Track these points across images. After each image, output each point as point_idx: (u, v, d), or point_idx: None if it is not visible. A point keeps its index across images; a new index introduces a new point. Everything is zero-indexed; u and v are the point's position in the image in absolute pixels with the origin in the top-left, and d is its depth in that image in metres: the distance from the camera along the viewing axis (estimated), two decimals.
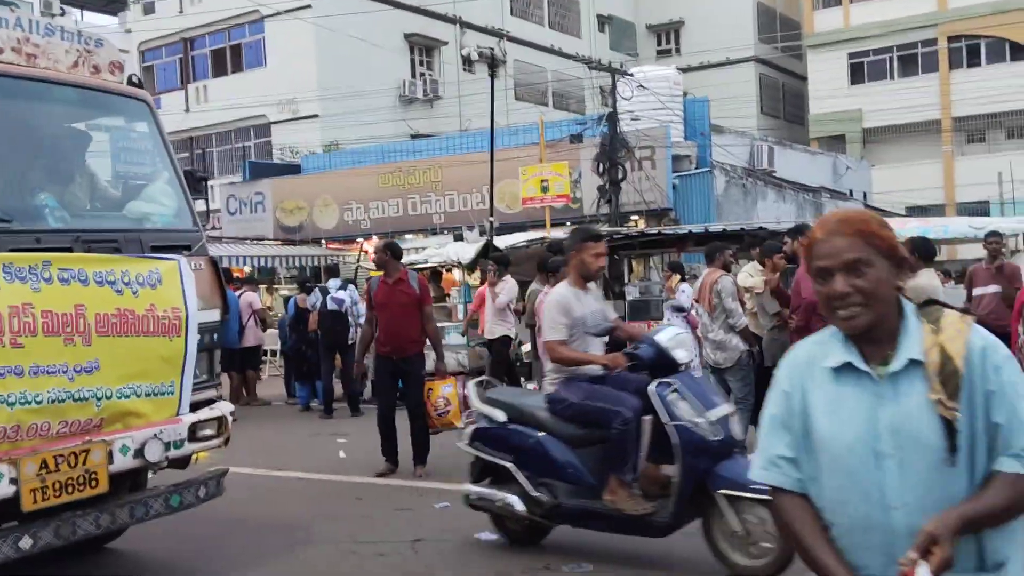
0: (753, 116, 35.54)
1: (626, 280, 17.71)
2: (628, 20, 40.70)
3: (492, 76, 18.76)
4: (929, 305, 2.04)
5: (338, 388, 12.90)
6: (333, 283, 12.93)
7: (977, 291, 10.01)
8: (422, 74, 30.89)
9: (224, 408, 5.24)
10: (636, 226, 20.37)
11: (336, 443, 10.05)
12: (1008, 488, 1.91)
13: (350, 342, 12.02)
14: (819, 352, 2.08)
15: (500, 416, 5.57)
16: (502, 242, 17.59)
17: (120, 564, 5.84)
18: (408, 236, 23.54)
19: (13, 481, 4.11)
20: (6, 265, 4.11)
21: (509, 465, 5.44)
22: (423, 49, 31.38)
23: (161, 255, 4.85)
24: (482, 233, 18.88)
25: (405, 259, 19.06)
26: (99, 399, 4.45)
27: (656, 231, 16.99)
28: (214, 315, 5.21)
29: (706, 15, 38.84)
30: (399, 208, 23.61)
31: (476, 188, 21.51)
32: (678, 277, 12.23)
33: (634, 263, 19.50)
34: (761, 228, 15.10)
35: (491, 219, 17.44)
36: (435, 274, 19.68)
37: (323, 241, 24.91)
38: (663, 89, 21.64)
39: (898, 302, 2.02)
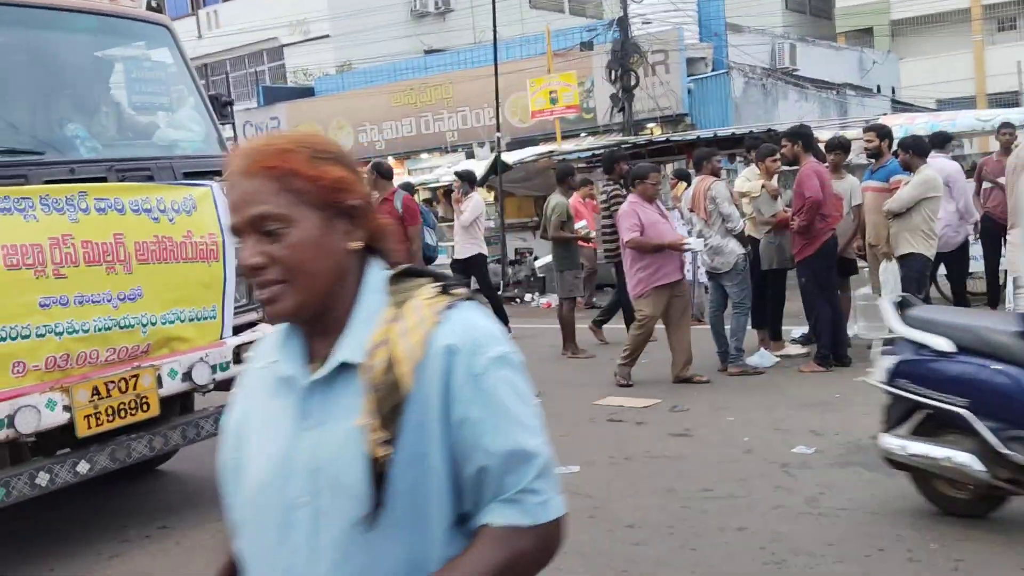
0: (778, 12, 34.37)
1: None
2: None
3: None
4: (412, 277, 1.42)
5: None
6: None
7: (987, 184, 9.91)
8: None
9: (266, 330, 5.34)
10: (651, 134, 20.14)
11: None
12: (499, 548, 1.34)
13: None
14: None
15: (945, 345, 4.34)
16: (511, 157, 17.56)
17: (173, 484, 6.17)
18: (423, 155, 23.54)
19: (67, 408, 4.30)
20: (43, 197, 4.22)
21: (962, 412, 4.22)
22: None
23: (194, 181, 4.92)
24: (492, 149, 18.81)
25: (418, 179, 19.25)
26: (144, 326, 4.60)
27: (664, 138, 16.82)
28: None
29: None
30: (412, 127, 23.54)
31: (488, 103, 21.32)
32: (684, 185, 12.16)
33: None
34: (770, 131, 14.90)
35: (499, 134, 17.35)
36: (448, 193, 19.75)
37: None
38: None
39: (359, 272, 1.41)
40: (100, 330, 4.42)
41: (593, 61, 20.69)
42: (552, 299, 14.85)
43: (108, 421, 4.47)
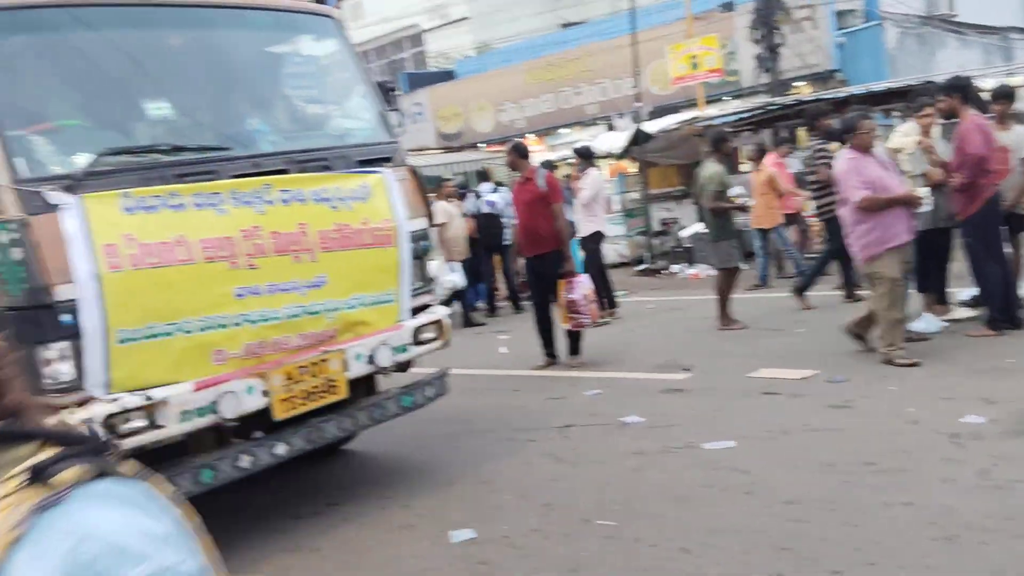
0: None
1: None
2: None
3: None
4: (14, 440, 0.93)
5: (502, 287, 13.44)
6: (485, 187, 13.38)
7: None
8: None
9: (441, 312, 5.53)
10: (800, 93, 19.43)
11: (498, 339, 10.57)
12: None
13: (506, 242, 12.39)
14: None
15: None
16: (653, 126, 17.32)
17: (341, 462, 6.43)
18: (563, 130, 23.53)
19: (264, 393, 4.53)
20: (233, 191, 4.45)
21: None
22: None
23: (367, 169, 5.08)
24: (634, 120, 18.60)
25: (559, 154, 19.26)
26: (330, 311, 4.81)
27: (814, 97, 16.18)
28: (421, 223, 5.42)
29: None
30: (552, 103, 23.55)
31: (627, 74, 21.08)
32: (836, 144, 11.66)
33: (800, 133, 18.71)
34: (929, 83, 14.08)
35: (639, 104, 17.16)
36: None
37: (482, 145, 25.32)
38: None
39: None
40: (290, 317, 4.61)
41: (735, 22, 20.13)
42: (699, 270, 14.65)
43: (302, 404, 4.67)
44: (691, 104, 19.82)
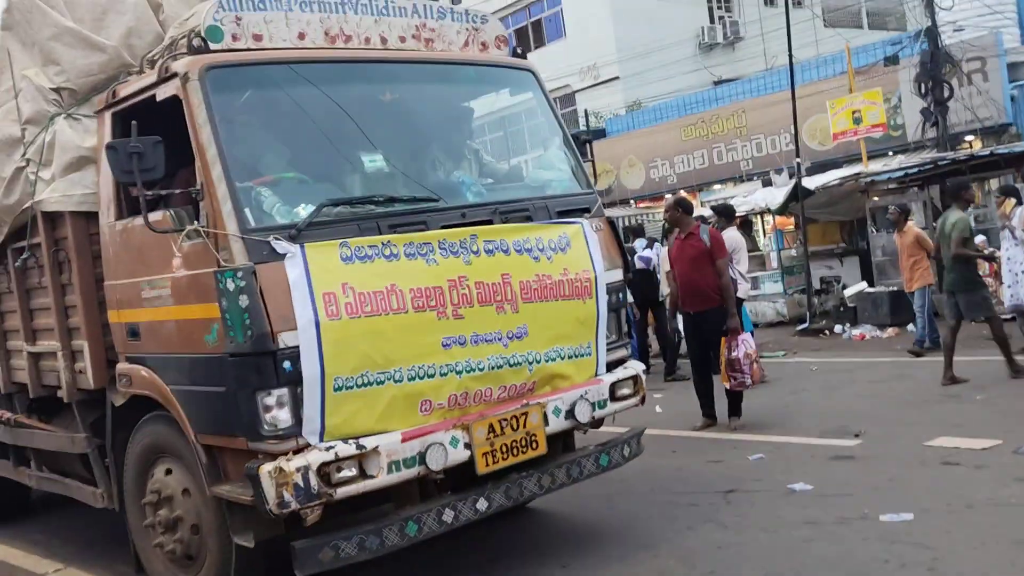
0: None
1: None
2: None
3: (787, 6, 18.03)
4: None
5: (655, 345, 13.42)
6: (639, 243, 13.53)
7: None
8: (720, 17, 30.15)
9: (637, 367, 5.44)
10: (970, 147, 18.78)
11: (653, 398, 10.54)
12: None
13: (661, 299, 12.44)
14: None
15: None
16: (812, 182, 17.07)
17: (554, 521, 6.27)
18: (716, 186, 23.42)
19: (467, 446, 4.51)
20: (441, 241, 4.53)
21: None
22: None
23: (566, 220, 5.09)
24: (791, 175, 18.40)
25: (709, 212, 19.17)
26: (531, 363, 4.79)
27: (988, 151, 15.61)
28: (618, 275, 5.38)
29: None
30: (704, 159, 23.47)
31: (784, 129, 20.83)
32: (1013, 201, 11.17)
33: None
34: None
35: (798, 159, 16.97)
36: (745, 223, 19.53)
37: (632, 201, 25.48)
38: None
39: None
40: (493, 368, 4.60)
41: (899, 76, 19.68)
42: (864, 331, 14.22)
43: (503, 459, 4.61)
44: (852, 159, 19.40)
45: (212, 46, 4.44)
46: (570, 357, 4.99)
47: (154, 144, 4.25)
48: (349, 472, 4.21)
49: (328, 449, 4.17)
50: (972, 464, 6.29)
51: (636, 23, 27.58)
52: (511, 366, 4.72)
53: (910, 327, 13.39)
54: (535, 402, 4.81)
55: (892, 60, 19.65)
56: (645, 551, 5.30)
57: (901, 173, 15.85)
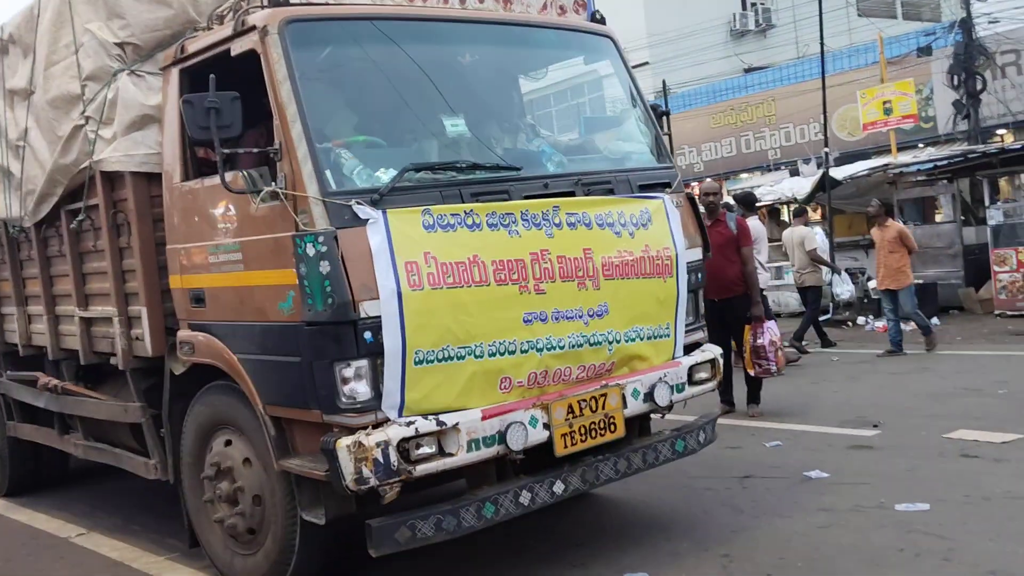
0: None
1: (987, 203, 16.13)
2: None
3: None
4: None
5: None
6: None
7: None
8: (753, 4, 29.72)
9: (715, 350, 5.18)
10: (1002, 141, 18.43)
11: None
12: None
13: None
14: None
15: None
16: (840, 172, 16.73)
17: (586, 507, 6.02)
18: (743, 175, 23.10)
19: (546, 426, 4.25)
20: (524, 212, 4.26)
21: None
22: None
23: (648, 194, 4.81)
24: (819, 165, 18.07)
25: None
26: (610, 343, 4.53)
27: (1020, 145, 15.28)
28: (697, 254, 5.12)
29: None
30: (732, 147, 23.17)
31: (814, 118, 20.47)
32: None
33: (1002, 183, 17.72)
34: None
35: (826, 150, 16.64)
36: (772, 212, 19.21)
37: None
38: None
39: None
40: (573, 347, 4.36)
41: (931, 67, 19.31)
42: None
43: (581, 441, 4.35)
44: (881, 150, 19.07)
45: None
46: (649, 338, 4.73)
47: (231, 100, 3.98)
48: (428, 449, 3.96)
49: (408, 424, 3.92)
50: (991, 457, 6.17)
51: (667, 9, 27.20)
52: (591, 345, 4.46)
53: (935, 320, 13.11)
54: (614, 383, 4.54)
55: (925, 51, 19.30)
56: (660, 533, 5.22)
57: (930, 165, 15.54)
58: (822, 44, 16.78)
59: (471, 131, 4.52)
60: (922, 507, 5.19)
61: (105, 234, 5.20)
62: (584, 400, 4.40)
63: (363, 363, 3.90)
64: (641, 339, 4.68)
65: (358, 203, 3.90)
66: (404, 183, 4.05)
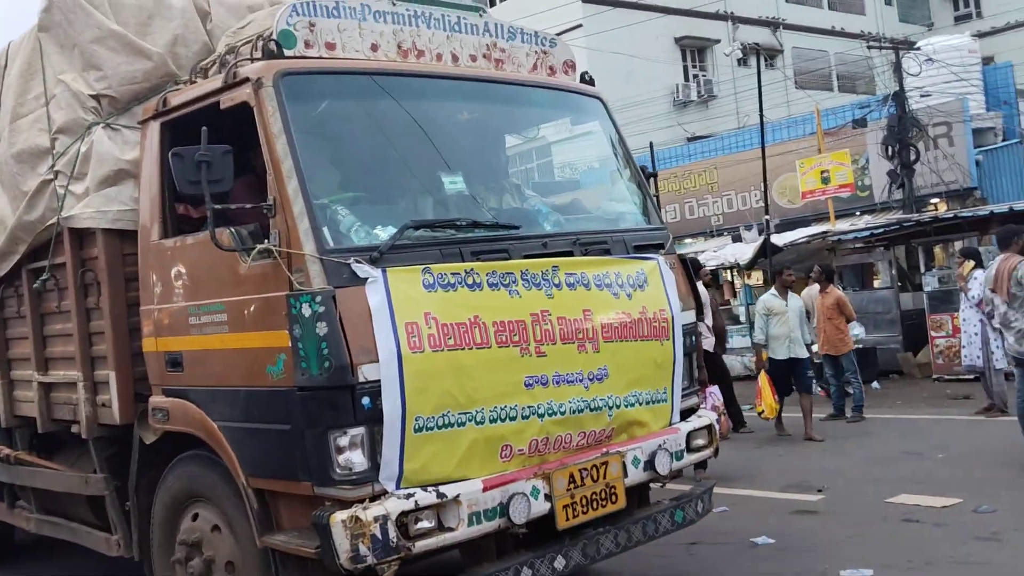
0: None
1: (923, 270, 16.47)
2: None
3: (759, 68, 18.13)
4: None
5: None
6: None
7: None
8: (695, 75, 30.36)
9: (710, 416, 5.00)
10: (935, 210, 18.95)
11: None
12: None
13: None
14: None
15: None
16: (781, 239, 16.97)
17: None
18: (687, 240, 23.31)
19: (547, 497, 3.99)
20: (524, 272, 4.07)
21: None
22: (695, 51, 30.84)
23: (643, 255, 4.67)
24: (760, 232, 18.33)
25: None
26: (610, 408, 4.32)
27: (952, 215, 15.69)
28: (691, 316, 4.94)
29: None
30: (676, 213, 23.40)
31: (754, 186, 20.86)
32: (971, 264, 10.93)
33: (936, 250, 18.15)
34: None
35: (767, 217, 16.89)
36: (715, 277, 19.36)
37: None
38: (955, 60, 19.97)
39: None
40: (574, 412, 4.14)
41: (867, 138, 19.86)
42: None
43: (583, 512, 4.10)
44: (819, 217, 19.44)
45: (285, 52, 3.99)
46: (647, 403, 4.53)
47: (223, 154, 3.75)
48: (427, 523, 3.68)
49: (408, 497, 3.63)
50: (932, 522, 6.18)
51: (612, 79, 27.43)
52: (591, 410, 4.24)
53: (875, 384, 13.19)
54: (614, 451, 4.32)
55: (860, 123, 19.84)
56: None
57: (867, 233, 15.83)
58: (761, 115, 17.15)
59: (470, 188, 4.34)
60: (866, 573, 5.16)
61: (72, 294, 4.88)
62: (585, 469, 4.16)
63: (360, 431, 3.63)
64: (640, 404, 4.49)
65: (357, 261, 3.68)
66: (403, 241, 3.84)
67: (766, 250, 16.12)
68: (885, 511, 6.52)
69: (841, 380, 11.19)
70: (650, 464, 4.45)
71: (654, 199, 5.23)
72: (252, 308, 3.91)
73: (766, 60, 18.67)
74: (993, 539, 5.66)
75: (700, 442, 4.81)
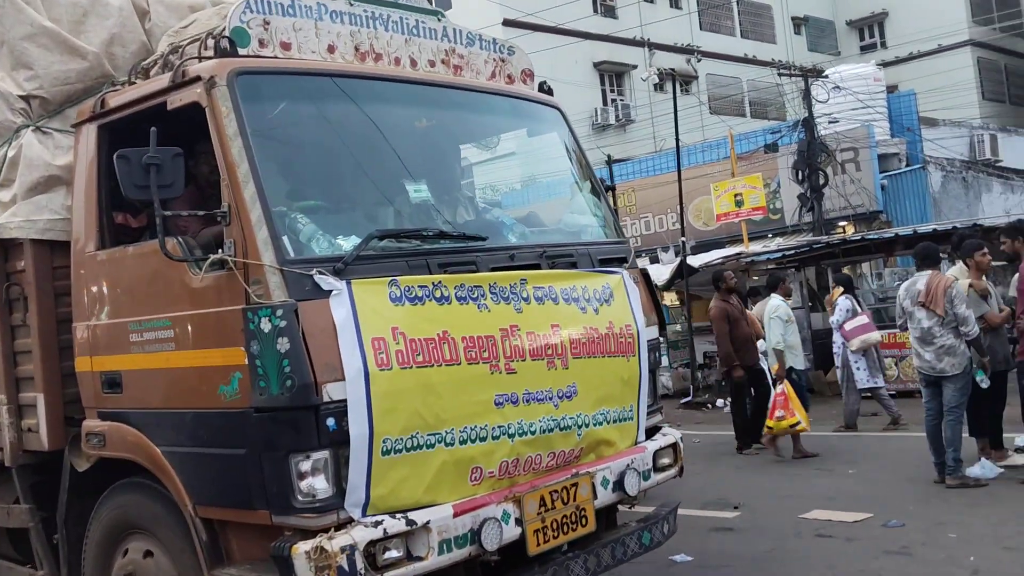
0: (974, 104, 31.67)
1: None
2: (826, 19, 38.16)
3: (675, 94, 18.36)
4: None
5: None
6: None
7: None
8: (613, 100, 30.51)
9: (675, 434, 4.80)
10: (843, 232, 19.47)
11: None
12: None
13: None
14: None
15: None
16: (697, 260, 17.17)
17: None
18: None
19: (518, 522, 3.75)
20: (491, 284, 3.84)
21: None
22: (613, 76, 31.05)
23: (608, 269, 4.48)
24: (677, 253, 18.53)
25: None
26: (579, 427, 4.10)
27: (859, 236, 16.11)
28: (655, 332, 4.74)
29: (911, 3, 35.00)
30: None
31: (672, 208, 21.08)
32: (840, 290, 11.28)
33: (844, 271, 18.60)
34: (976, 226, 13.97)
35: (683, 239, 17.10)
36: None
37: None
38: (861, 87, 20.62)
39: None
40: (544, 432, 3.92)
41: (779, 162, 20.31)
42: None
43: (553, 537, 3.88)
44: (734, 239, 19.77)
45: (239, 51, 3.71)
46: (614, 421, 4.33)
47: (173, 156, 3.44)
48: (395, 553, 3.40)
49: (376, 525, 3.35)
50: (844, 536, 6.21)
51: None
52: (561, 429, 4.02)
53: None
54: (584, 471, 4.10)
55: (772, 148, 20.26)
56: None
57: (779, 254, 16.13)
58: (677, 140, 17.34)
59: (435, 198, 4.10)
60: None
61: None
62: (556, 491, 3.94)
63: (324, 454, 3.35)
64: (608, 422, 4.29)
65: (320, 273, 3.40)
66: (368, 251, 3.58)
67: (683, 271, 16.27)
68: (799, 526, 6.55)
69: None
70: (619, 485, 4.25)
71: (613, 212, 5.06)
72: (202, 323, 3.59)
73: (681, 86, 18.86)
74: (903, 553, 5.70)
75: (666, 461, 4.64)
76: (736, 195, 19.04)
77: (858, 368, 10.46)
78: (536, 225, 4.80)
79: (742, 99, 33.22)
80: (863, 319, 10.57)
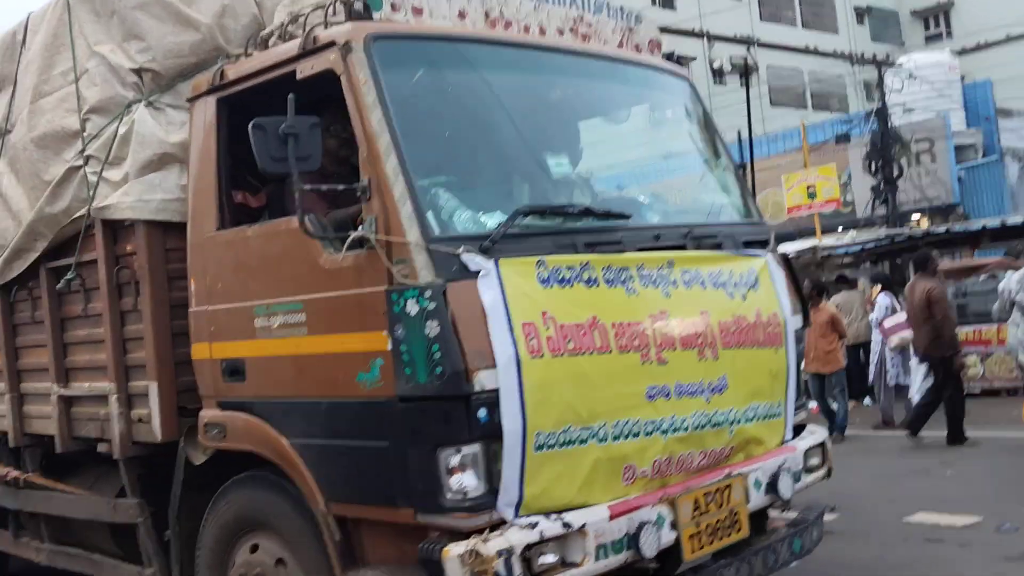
0: None
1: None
2: (890, 8, 37.33)
3: (747, 84, 17.93)
4: None
5: None
6: None
7: None
8: None
9: (823, 433, 4.44)
10: (919, 225, 18.86)
11: None
12: None
13: None
14: None
15: None
16: None
17: None
18: None
19: (673, 526, 3.44)
20: (639, 267, 3.52)
21: None
22: None
23: (752, 251, 4.13)
24: None
25: None
26: (731, 424, 3.77)
27: (944, 229, 15.52)
28: (799, 321, 4.36)
29: None
30: None
31: None
32: (878, 288, 11.07)
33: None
34: None
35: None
36: None
37: None
38: (937, 76, 20.03)
39: None
40: (696, 428, 3.59)
41: (850, 154, 19.77)
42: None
43: (708, 543, 3.56)
44: (803, 233, 19.27)
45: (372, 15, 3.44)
46: (764, 417, 3.97)
47: (311, 127, 3.18)
48: (551, 558, 3.10)
49: (532, 527, 3.06)
50: (956, 542, 5.86)
51: None
52: (712, 426, 3.69)
53: (867, 400, 12.75)
54: (736, 472, 3.77)
55: (844, 138, 19.74)
56: None
57: (858, 247, 15.60)
58: (750, 130, 16.79)
59: (577, 172, 3.80)
60: None
61: (104, 295, 4.23)
62: (709, 493, 3.60)
63: (475, 448, 3.07)
64: (758, 419, 3.93)
65: (467, 251, 3.12)
66: (513, 229, 3.28)
67: None
68: (905, 531, 6.17)
69: (826, 398, 10.65)
70: (772, 487, 3.91)
71: (751, 191, 4.70)
72: (339, 306, 3.32)
73: (741, 77, 18.45)
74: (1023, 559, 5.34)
75: (815, 461, 4.27)
76: (808, 187, 18.51)
77: (893, 365, 10.56)
78: (673, 203, 4.50)
79: (804, 90, 32.50)
80: (901, 316, 10.35)
